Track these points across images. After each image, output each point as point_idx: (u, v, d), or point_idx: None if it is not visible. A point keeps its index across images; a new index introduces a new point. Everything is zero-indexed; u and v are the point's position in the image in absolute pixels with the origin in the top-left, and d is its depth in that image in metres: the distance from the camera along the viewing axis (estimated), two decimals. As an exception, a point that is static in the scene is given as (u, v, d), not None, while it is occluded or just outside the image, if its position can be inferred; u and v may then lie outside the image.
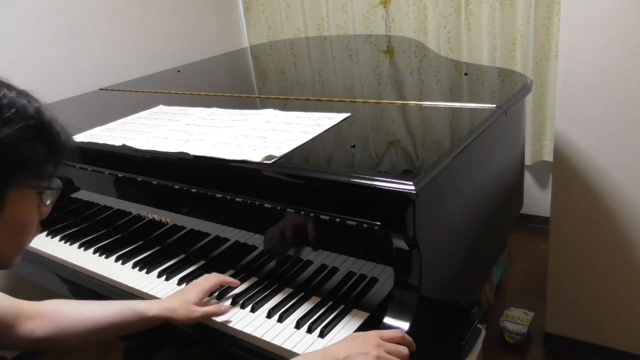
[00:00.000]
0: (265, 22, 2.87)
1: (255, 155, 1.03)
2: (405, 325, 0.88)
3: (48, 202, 0.71)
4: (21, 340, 0.91)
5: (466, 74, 1.61)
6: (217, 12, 2.83)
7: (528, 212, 2.56)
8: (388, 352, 0.80)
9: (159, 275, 1.18)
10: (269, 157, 1.02)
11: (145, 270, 1.20)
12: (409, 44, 2.09)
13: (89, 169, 1.31)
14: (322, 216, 0.95)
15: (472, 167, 1.09)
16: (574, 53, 1.46)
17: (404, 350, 0.82)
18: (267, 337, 0.95)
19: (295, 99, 1.52)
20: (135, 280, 1.17)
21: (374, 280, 0.97)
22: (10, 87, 0.65)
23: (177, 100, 1.65)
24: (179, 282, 1.15)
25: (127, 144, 1.23)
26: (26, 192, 0.66)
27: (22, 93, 0.66)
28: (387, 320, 0.89)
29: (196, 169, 1.12)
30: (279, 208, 1.01)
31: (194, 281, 1.07)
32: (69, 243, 1.38)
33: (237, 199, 1.06)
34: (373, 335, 0.83)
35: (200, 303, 1.01)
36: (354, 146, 1.07)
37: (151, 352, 1.68)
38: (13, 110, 0.62)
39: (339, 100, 1.42)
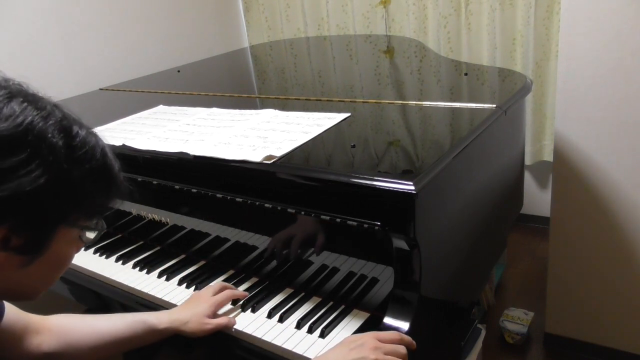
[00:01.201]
0: (265, 22, 2.87)
1: (255, 155, 1.03)
2: (405, 326, 0.88)
3: (91, 237, 0.70)
4: (28, 355, 0.89)
5: (466, 74, 1.61)
6: (217, 12, 2.83)
7: (528, 212, 2.56)
8: (386, 353, 0.80)
9: (160, 276, 1.18)
10: (269, 157, 1.02)
11: (145, 271, 1.20)
12: (409, 44, 2.09)
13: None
14: (322, 216, 0.95)
15: (472, 167, 1.09)
16: (574, 53, 1.46)
17: (402, 349, 0.82)
18: (267, 338, 0.95)
19: (295, 99, 1.52)
20: (136, 281, 1.17)
21: (374, 281, 0.97)
22: (81, 124, 0.64)
23: (177, 100, 1.64)
24: (179, 283, 1.15)
25: (127, 144, 1.23)
26: (72, 230, 0.66)
27: (90, 131, 0.65)
28: (387, 320, 0.89)
29: (196, 169, 1.12)
30: (279, 208, 1.01)
31: (204, 291, 1.04)
32: (69, 243, 1.37)
33: (237, 199, 1.06)
34: (370, 337, 0.82)
35: (212, 315, 0.99)
36: (354, 146, 1.07)
37: (151, 353, 1.68)
38: (83, 151, 0.62)
39: (339, 100, 1.42)
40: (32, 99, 0.60)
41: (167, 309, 1.10)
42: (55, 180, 0.58)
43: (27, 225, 0.59)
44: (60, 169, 0.59)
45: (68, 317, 0.97)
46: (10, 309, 0.87)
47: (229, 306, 1.05)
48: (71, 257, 0.69)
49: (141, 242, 1.33)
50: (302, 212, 0.98)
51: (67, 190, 0.60)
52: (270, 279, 1.11)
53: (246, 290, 1.09)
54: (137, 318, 0.98)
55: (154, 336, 0.98)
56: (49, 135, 0.59)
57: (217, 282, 1.08)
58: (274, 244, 1.09)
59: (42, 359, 0.91)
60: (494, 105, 1.19)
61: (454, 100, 1.31)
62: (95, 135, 0.66)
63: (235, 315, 1.02)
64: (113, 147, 1.21)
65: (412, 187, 0.84)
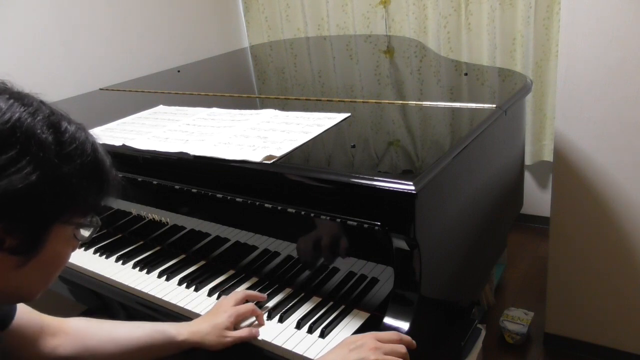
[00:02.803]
0: (265, 22, 2.87)
1: (255, 155, 1.03)
2: (405, 326, 0.88)
3: (86, 235, 0.69)
4: (42, 357, 0.88)
5: (466, 74, 1.61)
6: (217, 12, 2.83)
7: (528, 212, 2.56)
8: (386, 353, 0.80)
9: (160, 276, 1.18)
10: (269, 157, 1.02)
11: (145, 271, 1.20)
12: (409, 44, 2.09)
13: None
14: (322, 216, 0.95)
15: (472, 167, 1.09)
16: (574, 53, 1.46)
17: (402, 349, 0.82)
18: (267, 338, 0.95)
19: (295, 99, 1.52)
20: (136, 281, 1.17)
21: (374, 281, 0.97)
22: (69, 119, 0.63)
23: (177, 100, 1.65)
24: (179, 283, 1.15)
25: (127, 144, 1.23)
26: (67, 228, 0.64)
27: (79, 127, 0.64)
28: (387, 320, 0.89)
29: (196, 169, 1.12)
30: (279, 208, 1.01)
31: (225, 300, 0.99)
32: (69, 243, 1.37)
33: (237, 199, 1.06)
34: (369, 337, 0.82)
35: (232, 327, 0.95)
36: (354, 146, 1.07)
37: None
38: (73, 146, 0.61)
39: (339, 100, 1.42)
40: (17, 96, 0.60)
41: (167, 309, 1.10)
42: (47, 176, 0.57)
43: (22, 224, 0.58)
44: (51, 165, 0.58)
45: (86, 321, 0.95)
46: (23, 309, 0.86)
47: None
48: (67, 256, 0.68)
49: (141, 242, 1.33)
50: (302, 212, 0.98)
51: (60, 187, 0.59)
52: (270, 279, 1.11)
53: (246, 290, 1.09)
54: (157, 328, 0.96)
55: (172, 348, 0.95)
56: (38, 131, 0.58)
57: (241, 290, 1.03)
58: (274, 244, 1.09)
59: None
60: (494, 106, 1.19)
61: (454, 100, 1.32)
62: (84, 131, 0.65)
63: (259, 326, 0.98)
64: (113, 147, 1.23)
65: (412, 187, 0.84)
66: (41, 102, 0.62)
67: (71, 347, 0.90)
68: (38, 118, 0.59)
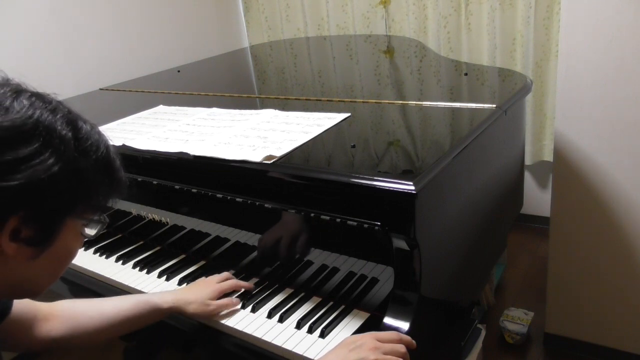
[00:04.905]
0: (265, 22, 2.87)
1: (255, 155, 1.03)
2: (405, 326, 0.88)
3: (92, 233, 0.71)
4: (38, 342, 0.92)
5: (466, 74, 1.61)
6: (217, 12, 2.82)
7: (528, 212, 2.56)
8: (385, 353, 0.80)
9: (160, 276, 1.18)
10: (269, 157, 1.02)
11: (145, 271, 1.20)
12: (409, 44, 2.09)
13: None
14: (322, 216, 0.95)
15: (472, 167, 1.09)
16: (574, 53, 1.46)
17: (402, 348, 0.82)
18: (267, 338, 0.95)
19: (295, 99, 1.52)
20: (136, 281, 1.17)
21: (374, 281, 0.97)
22: (84, 119, 0.67)
23: (177, 100, 1.64)
24: (180, 283, 1.15)
25: (127, 144, 1.23)
26: (78, 222, 0.67)
27: (93, 126, 0.67)
28: (387, 320, 0.89)
29: (196, 169, 1.12)
30: (279, 208, 1.01)
31: (210, 278, 1.08)
32: (69, 243, 1.37)
33: (237, 199, 1.06)
34: (369, 337, 0.83)
35: (214, 300, 1.03)
36: (354, 146, 1.07)
37: (151, 352, 1.68)
38: (89, 143, 0.64)
39: (339, 100, 1.42)
40: (37, 95, 0.63)
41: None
42: (67, 169, 0.60)
43: (38, 215, 0.60)
44: (71, 158, 0.61)
45: (74, 302, 1.00)
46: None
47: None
48: (75, 252, 0.71)
49: (141, 242, 1.33)
50: (302, 212, 0.98)
51: (77, 180, 0.62)
52: (270, 279, 1.11)
53: (246, 290, 1.09)
54: (141, 299, 1.01)
55: (158, 315, 1.01)
56: (58, 127, 0.61)
57: (224, 273, 1.10)
58: (273, 244, 1.09)
59: (52, 345, 0.94)
60: (494, 106, 1.19)
61: (454, 100, 1.32)
62: (97, 130, 0.68)
63: (236, 296, 1.06)
64: (113, 147, 1.22)
65: (412, 187, 0.84)
66: (59, 101, 0.65)
67: (63, 328, 0.94)
68: (58, 115, 0.62)
